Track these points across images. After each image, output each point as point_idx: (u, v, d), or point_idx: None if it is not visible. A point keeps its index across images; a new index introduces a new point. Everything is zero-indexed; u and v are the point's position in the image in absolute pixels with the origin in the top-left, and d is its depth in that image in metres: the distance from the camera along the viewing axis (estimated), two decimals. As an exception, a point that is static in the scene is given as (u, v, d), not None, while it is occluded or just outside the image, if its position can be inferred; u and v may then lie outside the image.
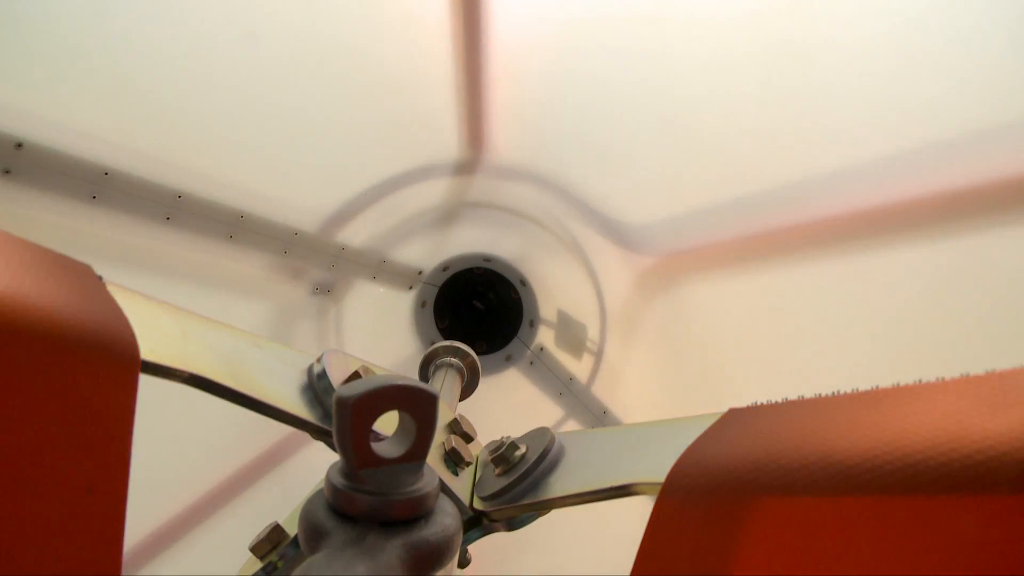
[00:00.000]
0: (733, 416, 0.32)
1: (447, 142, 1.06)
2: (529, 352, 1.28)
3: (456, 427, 0.51)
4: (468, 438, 0.51)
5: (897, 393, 0.26)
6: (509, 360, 1.29)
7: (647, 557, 0.32)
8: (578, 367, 1.25)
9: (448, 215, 1.20)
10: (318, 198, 1.07)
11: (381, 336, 1.24)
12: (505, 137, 1.06)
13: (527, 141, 1.08)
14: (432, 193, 1.13)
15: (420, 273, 1.23)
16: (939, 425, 0.23)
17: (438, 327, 1.27)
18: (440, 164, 1.09)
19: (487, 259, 1.27)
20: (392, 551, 0.30)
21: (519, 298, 1.30)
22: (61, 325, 0.27)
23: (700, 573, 0.29)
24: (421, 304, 1.25)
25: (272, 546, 0.47)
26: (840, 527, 0.24)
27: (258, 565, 0.47)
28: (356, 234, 1.12)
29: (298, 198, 1.05)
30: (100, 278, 0.31)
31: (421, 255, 1.22)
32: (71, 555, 0.29)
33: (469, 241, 1.25)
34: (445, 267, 1.25)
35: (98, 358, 0.28)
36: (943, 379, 0.25)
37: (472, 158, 1.09)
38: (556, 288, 1.27)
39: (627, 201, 1.09)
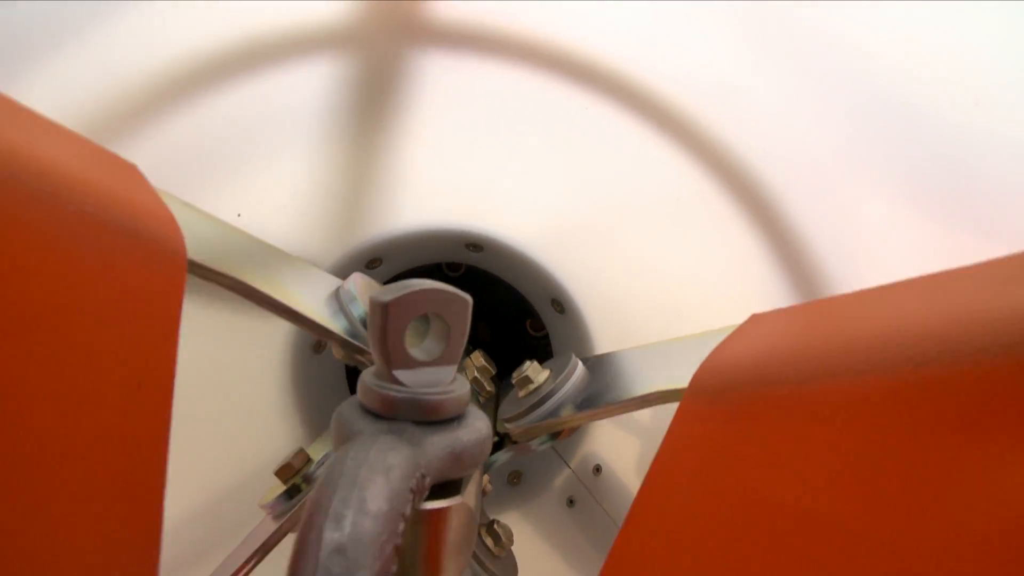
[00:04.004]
0: (756, 320, 0.33)
1: None
2: (569, 473, 0.59)
3: (477, 360, 0.52)
4: (488, 371, 0.52)
5: (925, 281, 0.27)
6: (516, 483, 0.59)
7: (667, 458, 0.33)
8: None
9: (371, 98, 0.48)
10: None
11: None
12: None
13: None
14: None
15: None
16: (959, 302, 0.24)
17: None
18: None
19: (474, 245, 0.56)
20: (428, 446, 0.31)
21: (547, 341, 0.62)
22: (114, 211, 0.27)
23: (722, 469, 0.30)
24: (312, 346, 0.57)
25: (296, 469, 0.48)
26: (856, 407, 0.25)
27: (281, 488, 0.48)
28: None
29: None
30: (146, 180, 0.32)
31: (302, 225, 0.51)
32: (120, 450, 0.30)
33: (428, 190, 0.53)
34: (372, 259, 0.55)
35: (149, 250, 0.29)
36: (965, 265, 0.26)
37: None
38: (663, 320, 0.54)
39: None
